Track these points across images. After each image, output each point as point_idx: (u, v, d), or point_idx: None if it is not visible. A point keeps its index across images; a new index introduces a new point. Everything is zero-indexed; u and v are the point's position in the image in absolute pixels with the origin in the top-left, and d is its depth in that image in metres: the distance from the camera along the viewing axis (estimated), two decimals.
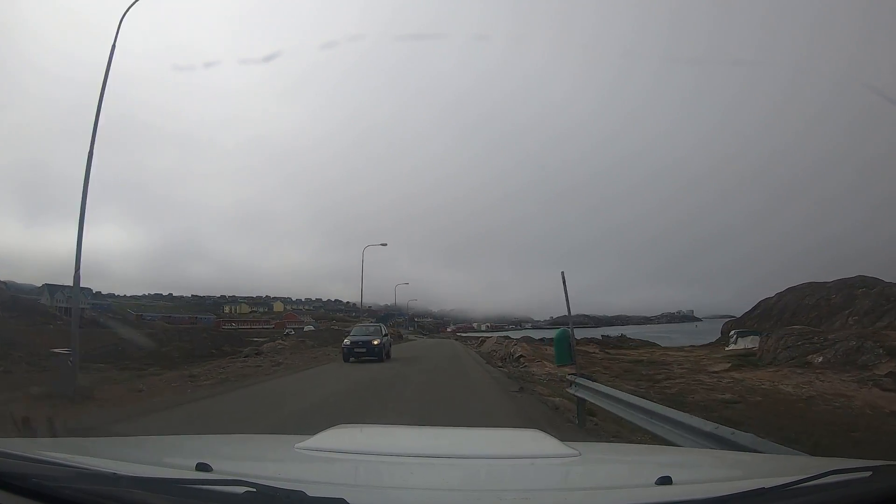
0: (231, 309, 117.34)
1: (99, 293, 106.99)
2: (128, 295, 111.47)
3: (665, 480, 1.31)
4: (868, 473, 1.27)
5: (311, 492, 1.11)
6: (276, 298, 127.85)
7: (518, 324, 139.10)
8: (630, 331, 79.06)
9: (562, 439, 2.07)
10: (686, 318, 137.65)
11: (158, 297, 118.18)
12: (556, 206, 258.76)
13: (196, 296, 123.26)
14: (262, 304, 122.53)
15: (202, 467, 1.35)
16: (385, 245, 38.04)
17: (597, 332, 78.03)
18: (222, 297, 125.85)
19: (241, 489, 1.10)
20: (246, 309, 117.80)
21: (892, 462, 1.44)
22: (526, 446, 2.06)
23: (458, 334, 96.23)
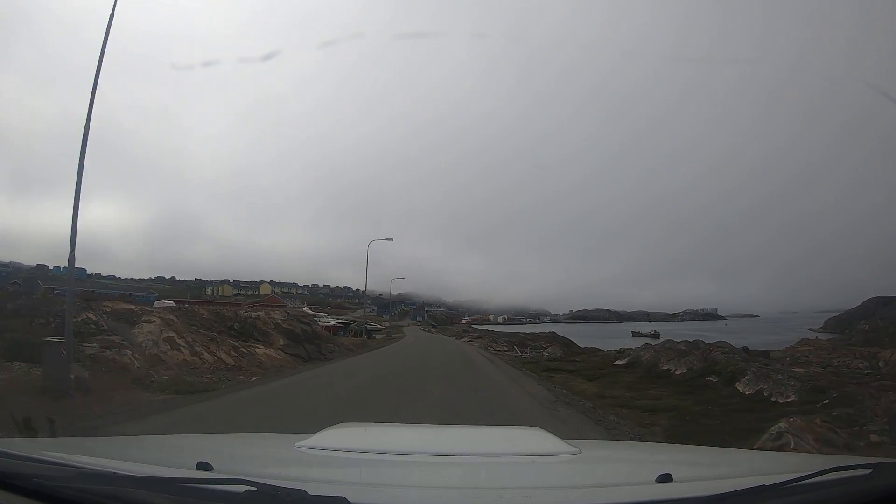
0: (213, 290, 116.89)
1: (98, 274, 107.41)
2: (134, 278, 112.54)
3: (665, 478, 1.32)
4: (868, 471, 1.27)
5: (312, 490, 1.11)
6: (278, 283, 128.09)
7: (536, 317, 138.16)
8: (651, 328, 70.51)
9: (562, 437, 2.06)
10: (710, 315, 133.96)
11: (161, 279, 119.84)
12: (578, 193, 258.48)
13: (199, 279, 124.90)
14: (252, 287, 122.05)
15: (203, 466, 1.35)
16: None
17: (621, 328, 71.51)
18: (226, 280, 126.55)
19: (241, 488, 1.10)
20: (230, 291, 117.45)
21: (892, 460, 1.45)
22: (526, 444, 2.06)
23: (473, 326, 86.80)
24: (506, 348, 36.92)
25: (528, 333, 50.19)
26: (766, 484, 1.17)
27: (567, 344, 38.79)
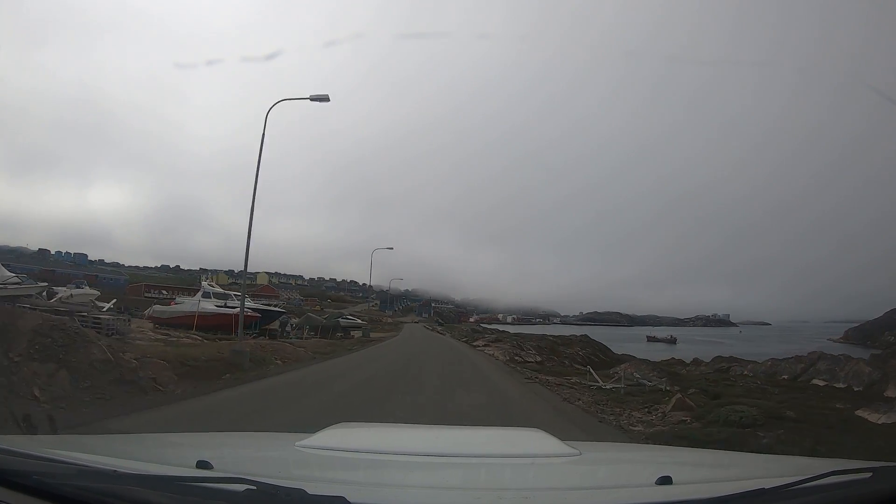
0: (208, 279, 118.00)
1: (101, 261, 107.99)
2: (138, 266, 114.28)
3: (665, 480, 1.31)
4: (868, 474, 1.26)
5: (311, 490, 1.11)
6: (283, 275, 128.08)
7: (546, 318, 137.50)
8: (667, 332, 69.83)
9: (562, 439, 2.07)
10: (721, 322, 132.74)
11: (165, 268, 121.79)
12: (591, 195, 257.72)
13: (203, 269, 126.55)
14: (252, 277, 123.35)
15: (203, 465, 1.35)
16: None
17: (633, 332, 69.17)
18: (230, 270, 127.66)
19: (241, 487, 1.11)
20: (225, 279, 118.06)
21: (892, 463, 1.44)
22: (526, 445, 2.06)
23: (482, 325, 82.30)
24: (539, 357, 25.16)
25: (556, 336, 39.85)
26: (766, 487, 1.17)
27: (603, 349, 31.89)
